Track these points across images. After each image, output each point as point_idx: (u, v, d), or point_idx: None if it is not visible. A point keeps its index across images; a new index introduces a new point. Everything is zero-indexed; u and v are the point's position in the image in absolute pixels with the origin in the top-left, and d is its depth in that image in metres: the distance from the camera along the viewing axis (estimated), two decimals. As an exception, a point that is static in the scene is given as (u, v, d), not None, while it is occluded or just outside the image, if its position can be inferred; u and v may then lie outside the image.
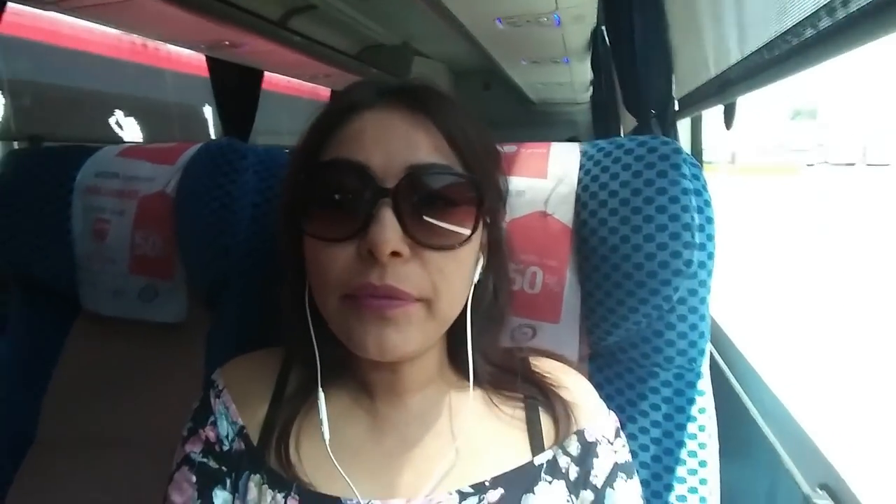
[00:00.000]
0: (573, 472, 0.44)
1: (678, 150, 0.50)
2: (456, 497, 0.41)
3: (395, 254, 0.37)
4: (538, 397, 0.46)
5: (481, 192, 0.40)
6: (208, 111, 2.94)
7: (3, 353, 0.74)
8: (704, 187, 0.52)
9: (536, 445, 0.44)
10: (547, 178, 0.56)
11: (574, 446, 0.45)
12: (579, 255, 0.53)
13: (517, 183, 0.56)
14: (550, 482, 0.43)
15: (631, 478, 0.45)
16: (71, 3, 1.57)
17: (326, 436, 0.43)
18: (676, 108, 1.13)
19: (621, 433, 0.47)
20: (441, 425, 0.45)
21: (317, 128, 0.43)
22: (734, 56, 0.78)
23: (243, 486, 0.44)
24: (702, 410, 0.52)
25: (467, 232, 0.40)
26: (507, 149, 0.58)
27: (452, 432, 0.45)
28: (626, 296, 0.50)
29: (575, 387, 0.48)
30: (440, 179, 0.40)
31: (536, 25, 2.28)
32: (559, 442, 0.44)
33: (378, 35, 3.35)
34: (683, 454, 0.52)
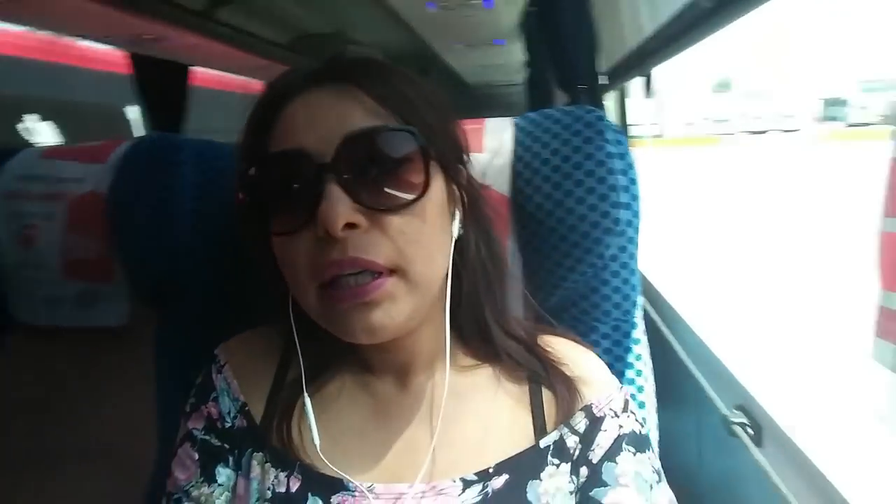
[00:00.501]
0: (576, 451, 0.43)
1: (601, 118, 0.53)
2: (459, 485, 0.41)
3: (351, 226, 0.36)
4: (541, 374, 0.45)
5: (425, 143, 0.39)
6: (132, 111, 2.79)
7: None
8: (627, 151, 0.56)
9: (539, 426, 0.44)
10: (483, 151, 0.58)
11: (582, 423, 0.43)
12: (518, 222, 0.56)
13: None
14: (558, 465, 0.42)
15: (642, 451, 0.43)
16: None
17: (316, 439, 0.42)
18: (603, 81, 1.18)
19: (632, 406, 0.46)
20: (445, 408, 0.43)
21: (251, 124, 0.42)
22: (649, 28, 0.83)
23: (246, 464, 0.44)
24: (638, 357, 0.57)
25: (418, 184, 0.38)
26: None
27: (455, 417, 0.44)
28: (563, 257, 0.54)
29: (582, 361, 0.47)
30: (377, 139, 0.38)
31: (468, 8, 2.30)
32: (565, 420, 0.43)
33: (309, 24, 3.27)
34: None
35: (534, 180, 0.54)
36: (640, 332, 0.57)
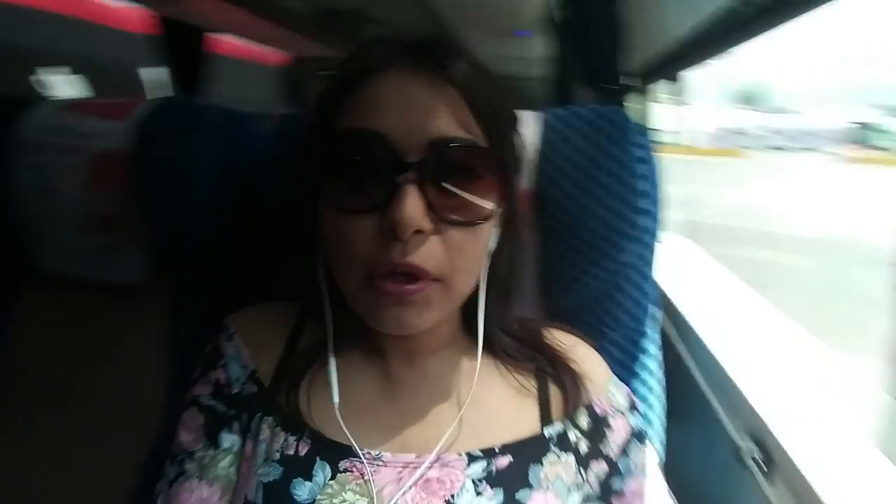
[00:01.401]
0: (583, 446, 0.45)
1: (626, 119, 0.53)
2: (465, 459, 0.42)
3: (417, 231, 0.37)
4: (548, 369, 0.47)
5: (506, 168, 0.40)
6: (146, 73, 2.76)
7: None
8: (652, 156, 0.55)
9: (545, 417, 0.45)
10: (509, 143, 0.58)
11: (584, 420, 0.45)
12: (537, 218, 0.56)
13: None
14: (559, 455, 0.44)
15: (643, 444, 0.47)
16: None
17: (335, 398, 0.43)
18: (629, 83, 1.17)
19: (637, 404, 0.48)
20: (453, 389, 0.46)
21: (330, 94, 0.42)
22: (680, 29, 0.82)
23: (255, 427, 0.45)
24: (647, 369, 0.57)
25: (491, 207, 0.40)
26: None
27: (464, 396, 0.45)
28: (579, 257, 0.54)
29: (585, 359, 0.48)
30: (464, 154, 0.39)
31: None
32: (568, 414, 0.45)
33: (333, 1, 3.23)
34: None
35: (556, 177, 0.54)
36: (651, 344, 0.57)
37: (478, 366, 0.45)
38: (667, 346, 0.67)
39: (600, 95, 1.15)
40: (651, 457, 0.47)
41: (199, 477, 0.44)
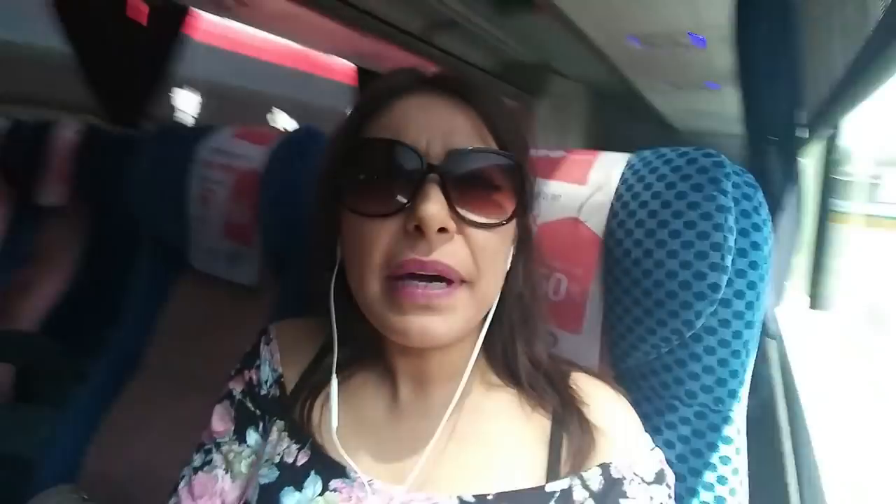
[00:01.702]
0: None
1: (721, 164, 0.45)
2: (455, 502, 0.40)
3: (441, 230, 0.38)
4: (565, 415, 0.43)
5: (522, 174, 0.41)
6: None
7: (131, 296, 0.91)
8: (757, 209, 0.46)
9: (552, 470, 0.41)
10: (587, 184, 0.54)
11: (596, 480, 0.40)
12: (605, 266, 0.51)
13: (554, 187, 0.55)
14: None
15: None
16: (246, 14, 1.86)
17: (334, 422, 0.43)
18: (802, 134, 0.99)
19: (668, 477, 0.42)
20: (460, 425, 0.44)
21: (359, 110, 0.44)
22: (838, 69, 0.68)
23: (268, 429, 0.47)
24: (724, 460, 0.46)
25: (510, 209, 0.41)
26: (555, 154, 0.58)
27: (469, 435, 0.43)
28: (645, 315, 0.47)
29: (611, 413, 0.43)
30: (483, 159, 0.41)
31: (677, 46, 2.13)
32: (578, 471, 0.41)
33: (517, 53, 3.41)
34: None
35: (627, 223, 0.48)
36: (734, 431, 0.47)
37: (466, 371, 0.43)
38: (767, 431, 0.54)
39: (763, 151, 0.99)
40: None
41: (225, 469, 0.47)
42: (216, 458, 0.48)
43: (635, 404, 0.51)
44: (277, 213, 0.73)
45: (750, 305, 0.46)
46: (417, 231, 0.38)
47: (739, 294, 0.45)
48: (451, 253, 0.38)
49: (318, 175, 0.47)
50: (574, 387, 0.44)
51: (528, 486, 0.40)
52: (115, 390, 0.84)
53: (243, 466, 0.47)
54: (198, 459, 0.49)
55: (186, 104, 2.63)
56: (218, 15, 1.88)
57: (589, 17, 1.85)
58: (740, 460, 0.47)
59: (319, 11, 1.87)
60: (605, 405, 0.44)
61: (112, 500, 0.72)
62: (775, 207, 0.76)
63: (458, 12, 2.57)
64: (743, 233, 0.45)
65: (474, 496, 0.40)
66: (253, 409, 0.49)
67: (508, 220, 0.41)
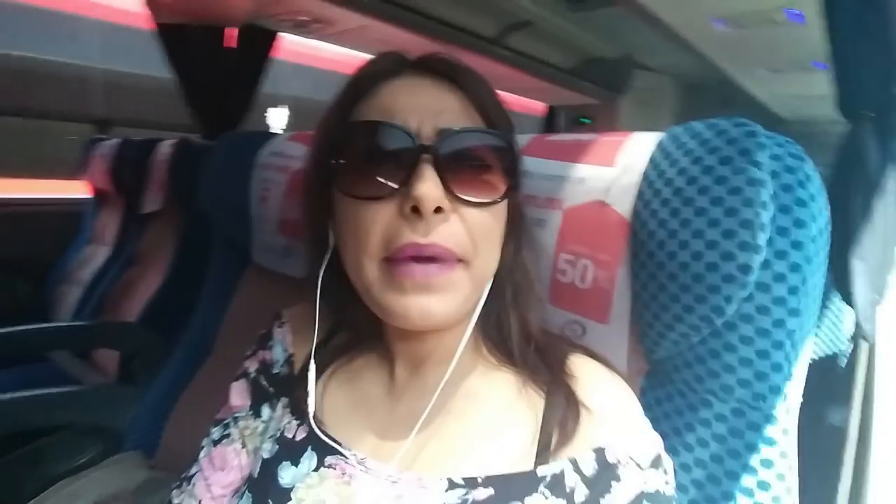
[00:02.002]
0: (580, 494, 0.38)
1: (753, 133, 0.40)
2: (444, 484, 0.40)
3: (437, 210, 0.38)
4: (555, 393, 0.42)
5: (512, 153, 0.42)
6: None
7: (205, 289, 1.00)
8: (803, 183, 0.41)
9: (542, 453, 0.40)
10: (614, 166, 0.51)
11: (590, 465, 0.39)
12: (632, 250, 0.47)
13: (580, 170, 0.52)
14: (547, 498, 0.39)
15: None
16: (323, 31, 1.97)
17: (311, 406, 0.45)
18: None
19: (665, 463, 0.40)
20: (454, 406, 0.44)
21: (346, 94, 0.45)
22: None
23: (276, 406, 0.50)
24: (766, 463, 0.41)
25: (502, 188, 0.41)
26: (585, 137, 0.55)
27: (463, 416, 0.43)
28: (671, 300, 0.43)
29: (608, 397, 0.42)
30: (474, 139, 0.41)
31: (770, 25, 1.93)
32: (570, 455, 0.39)
33: (595, 48, 3.29)
34: None
35: (652, 203, 0.45)
36: (778, 432, 0.41)
37: (458, 350, 0.43)
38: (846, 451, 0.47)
39: (858, 126, 0.87)
40: None
41: (242, 444, 0.49)
42: (234, 432, 0.50)
43: (668, 398, 0.47)
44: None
45: (794, 290, 0.40)
46: (414, 212, 0.38)
47: (780, 277, 0.40)
48: (447, 233, 0.39)
49: (308, 161, 0.48)
50: (570, 371, 0.43)
51: (520, 469, 0.40)
52: (189, 374, 0.92)
53: (257, 442, 0.49)
54: (217, 433, 0.52)
55: (276, 119, 2.85)
56: (300, 35, 2.01)
57: (665, 1, 1.74)
58: (786, 465, 0.41)
59: (394, 23, 1.94)
60: (604, 389, 0.42)
61: (176, 469, 0.79)
62: (870, 191, 0.67)
63: (532, 12, 2.53)
64: (784, 209, 0.40)
65: (464, 479, 0.40)
66: (267, 386, 0.51)
67: (502, 198, 0.41)
